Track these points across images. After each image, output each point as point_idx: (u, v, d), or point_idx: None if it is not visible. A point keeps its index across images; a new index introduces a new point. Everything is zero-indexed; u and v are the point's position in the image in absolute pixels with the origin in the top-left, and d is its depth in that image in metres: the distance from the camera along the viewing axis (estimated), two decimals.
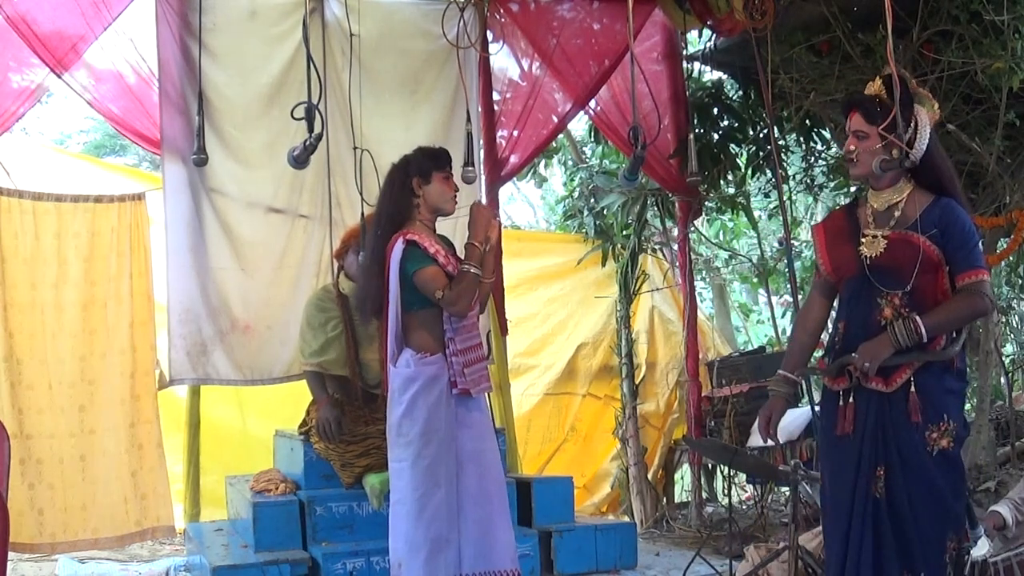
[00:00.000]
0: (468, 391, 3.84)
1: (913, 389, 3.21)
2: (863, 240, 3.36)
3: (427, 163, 3.94)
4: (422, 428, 3.77)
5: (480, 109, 6.07)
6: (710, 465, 6.94)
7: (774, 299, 8.67)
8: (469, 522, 3.81)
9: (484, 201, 6.15)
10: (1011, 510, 3.89)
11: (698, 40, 6.81)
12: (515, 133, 6.22)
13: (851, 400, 3.31)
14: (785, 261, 7.30)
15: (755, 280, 9.19)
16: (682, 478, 8.07)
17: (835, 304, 3.58)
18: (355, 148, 5.28)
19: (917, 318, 3.18)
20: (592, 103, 6.21)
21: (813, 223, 9.50)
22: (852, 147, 3.39)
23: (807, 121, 6.48)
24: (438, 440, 3.78)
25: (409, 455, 3.79)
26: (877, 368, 3.20)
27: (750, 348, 7.57)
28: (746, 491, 7.66)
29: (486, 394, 4.00)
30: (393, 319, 3.83)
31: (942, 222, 3.27)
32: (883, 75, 3.42)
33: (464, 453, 3.84)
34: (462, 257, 3.86)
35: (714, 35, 6.42)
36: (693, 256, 7.03)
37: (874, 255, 3.32)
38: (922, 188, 3.36)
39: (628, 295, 7.03)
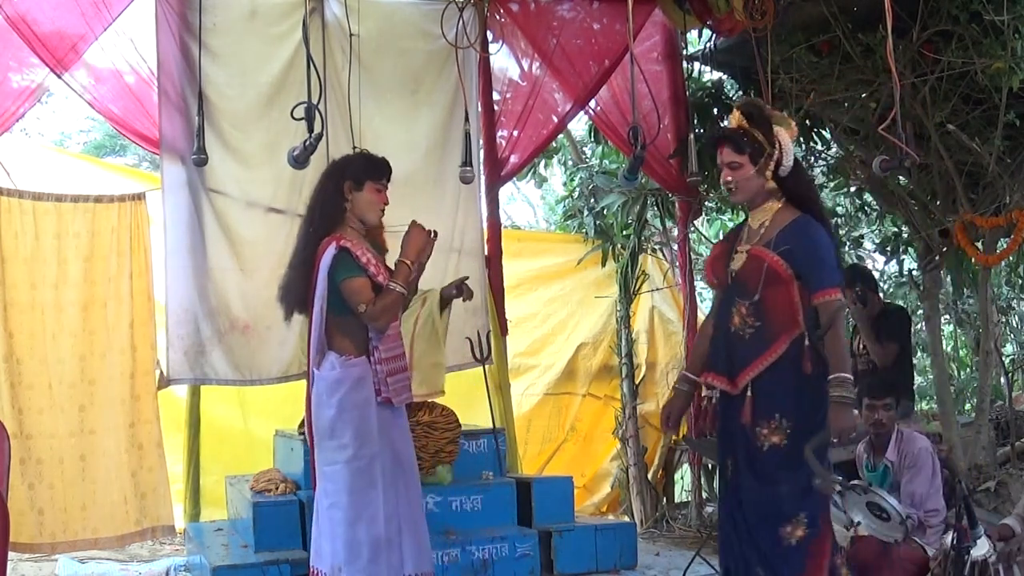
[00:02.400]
0: (390, 401, 3.80)
1: (749, 392, 3.52)
2: (734, 255, 3.67)
3: (363, 170, 3.91)
4: (355, 429, 3.73)
5: (480, 109, 6.07)
6: (710, 465, 6.93)
7: None
8: (407, 522, 3.80)
9: (484, 201, 6.17)
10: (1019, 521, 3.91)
11: (698, 40, 6.81)
12: (515, 133, 6.22)
13: (713, 402, 3.78)
14: None
15: None
16: (682, 478, 8.07)
17: None
18: (354, 148, 5.29)
19: (839, 378, 3.38)
20: (592, 103, 6.20)
21: None
22: (729, 178, 3.64)
23: (807, 121, 6.47)
24: (372, 441, 3.75)
25: (343, 457, 3.73)
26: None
27: None
28: None
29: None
30: (317, 323, 3.78)
31: (794, 239, 3.52)
32: (739, 105, 3.73)
33: (395, 454, 3.83)
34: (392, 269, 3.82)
35: (714, 35, 6.42)
36: (693, 256, 7.02)
37: (736, 268, 3.64)
38: (791, 206, 3.61)
39: (628, 295, 7.03)
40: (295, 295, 3.93)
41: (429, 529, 4.00)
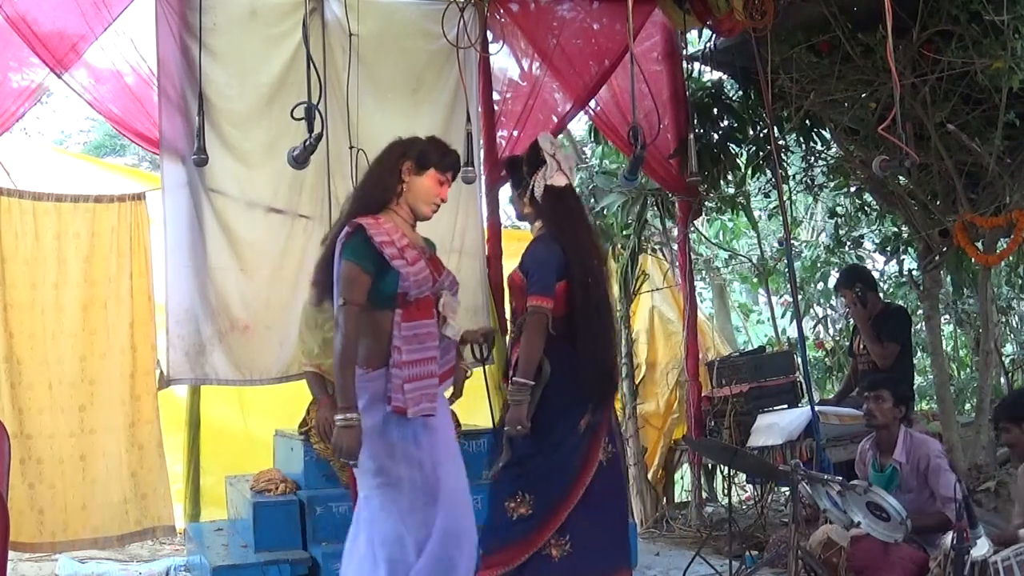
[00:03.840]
0: (403, 411, 3.30)
1: None
2: None
3: (430, 154, 3.53)
4: (374, 451, 3.31)
5: (480, 109, 6.07)
6: (710, 465, 6.94)
7: (774, 299, 8.66)
8: (439, 560, 3.35)
9: (484, 201, 6.16)
10: None
11: (698, 40, 6.81)
12: (515, 133, 6.22)
13: None
14: (785, 261, 7.30)
15: (755, 280, 9.19)
16: (682, 478, 8.08)
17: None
18: (351, 147, 5.29)
19: (516, 382, 3.76)
20: (592, 103, 6.20)
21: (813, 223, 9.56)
22: (510, 202, 4.09)
23: (807, 121, 6.48)
24: (396, 465, 3.33)
25: (370, 482, 3.37)
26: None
27: (750, 348, 7.56)
28: (746, 491, 7.67)
29: (451, 414, 3.57)
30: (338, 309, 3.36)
31: (525, 254, 3.96)
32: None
33: (431, 481, 3.37)
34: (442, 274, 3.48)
35: (714, 35, 6.41)
36: (693, 256, 7.03)
37: None
38: (549, 226, 3.93)
39: (628, 295, 7.03)
40: (320, 279, 3.51)
41: None
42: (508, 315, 4.65)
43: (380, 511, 3.39)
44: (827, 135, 6.62)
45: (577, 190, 7.62)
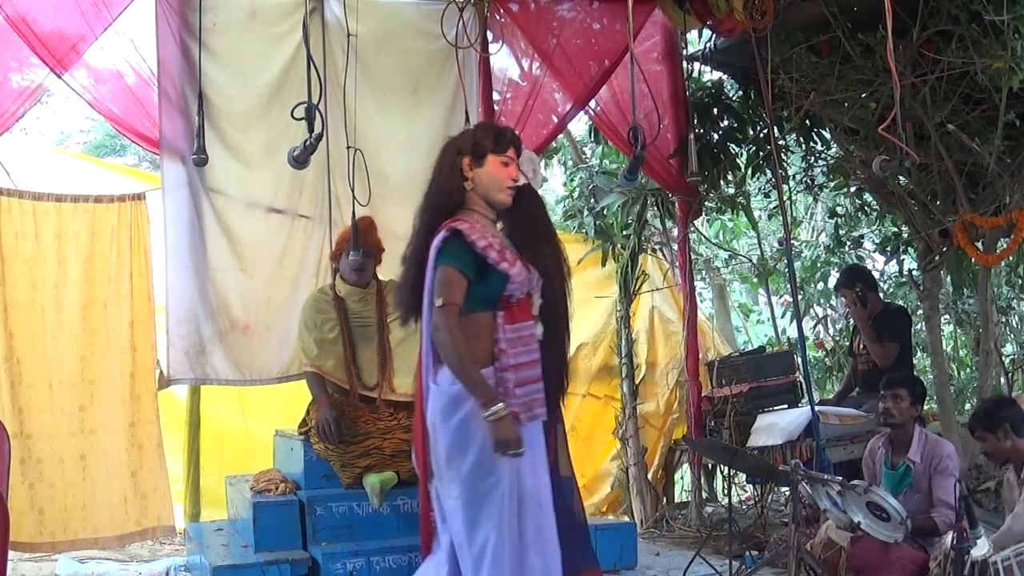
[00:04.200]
0: (517, 416, 3.20)
1: None
2: None
3: (482, 142, 3.40)
4: (476, 458, 3.19)
5: (480, 109, 6.07)
6: (710, 465, 6.94)
7: (774, 299, 8.67)
8: (532, 571, 3.26)
9: None
10: None
11: (698, 40, 6.81)
12: None
13: None
14: (785, 261, 7.30)
15: (755, 280, 9.19)
16: (682, 478, 8.07)
17: None
18: (348, 147, 5.29)
19: None
20: (592, 103, 6.20)
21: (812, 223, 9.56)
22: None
23: (807, 121, 6.48)
24: (497, 472, 3.19)
25: (461, 491, 3.22)
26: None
27: (750, 348, 7.56)
28: (746, 491, 7.66)
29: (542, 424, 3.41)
30: (428, 323, 3.28)
31: None
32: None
33: (523, 489, 3.25)
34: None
35: (714, 35, 6.41)
36: (693, 256, 7.02)
37: None
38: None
39: (628, 295, 7.03)
40: (406, 295, 3.40)
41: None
42: None
43: (471, 517, 3.25)
44: (827, 135, 6.62)
45: (576, 191, 7.74)
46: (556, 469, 3.72)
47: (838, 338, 8.67)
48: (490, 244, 3.27)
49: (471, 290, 3.26)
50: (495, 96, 6.26)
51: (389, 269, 5.34)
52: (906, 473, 4.42)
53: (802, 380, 5.96)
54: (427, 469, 3.43)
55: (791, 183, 7.31)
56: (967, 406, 7.76)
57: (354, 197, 5.17)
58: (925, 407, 7.89)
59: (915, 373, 6.48)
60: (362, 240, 4.98)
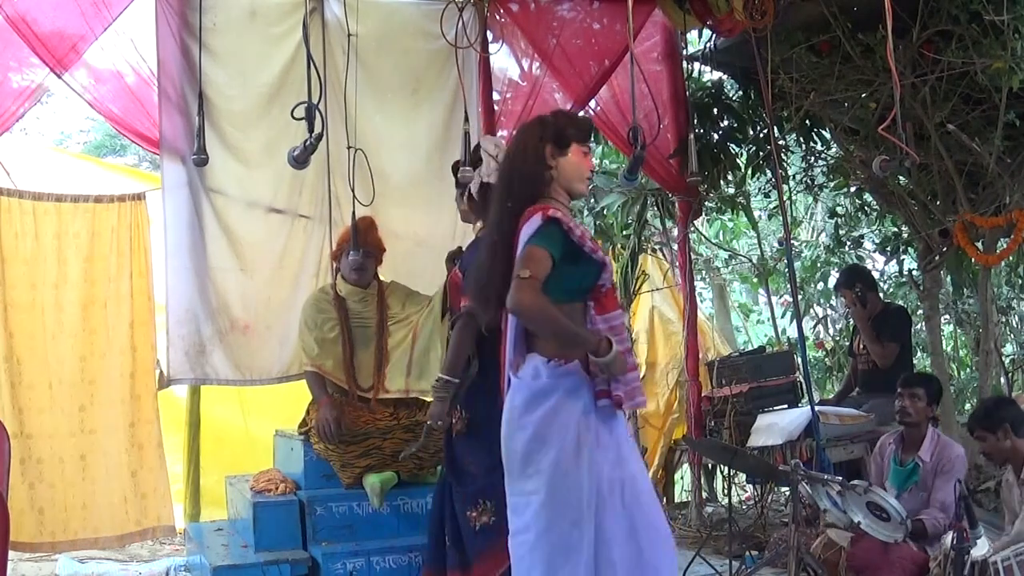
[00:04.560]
0: (621, 402, 3.16)
1: None
2: None
3: (567, 130, 3.31)
4: (557, 455, 3.09)
5: (480, 109, 6.07)
6: (710, 465, 6.94)
7: (774, 299, 8.67)
8: (616, 568, 3.13)
9: None
10: None
11: (698, 40, 6.81)
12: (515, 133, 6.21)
13: None
14: (785, 261, 7.30)
15: (755, 280, 9.19)
16: (682, 478, 8.08)
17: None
18: (348, 147, 5.29)
19: (440, 379, 3.94)
20: (592, 103, 6.20)
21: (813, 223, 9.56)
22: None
23: (807, 121, 6.48)
24: (578, 469, 3.10)
25: (540, 487, 3.11)
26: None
27: (750, 348, 7.56)
28: (746, 491, 7.67)
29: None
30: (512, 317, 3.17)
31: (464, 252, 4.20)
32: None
33: (604, 483, 3.17)
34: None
35: (714, 35, 6.42)
36: (693, 256, 7.03)
37: None
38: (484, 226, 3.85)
39: (628, 295, 7.03)
40: (493, 285, 3.22)
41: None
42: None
43: (548, 512, 3.14)
44: (827, 135, 6.62)
45: None
46: None
47: (838, 338, 8.67)
48: (584, 233, 3.20)
49: (562, 280, 3.15)
50: (495, 96, 6.26)
51: (389, 269, 5.35)
52: (914, 471, 4.43)
53: (802, 380, 5.96)
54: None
55: (791, 183, 7.32)
56: (967, 406, 7.76)
57: (355, 197, 5.17)
58: None
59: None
60: (362, 240, 4.98)
